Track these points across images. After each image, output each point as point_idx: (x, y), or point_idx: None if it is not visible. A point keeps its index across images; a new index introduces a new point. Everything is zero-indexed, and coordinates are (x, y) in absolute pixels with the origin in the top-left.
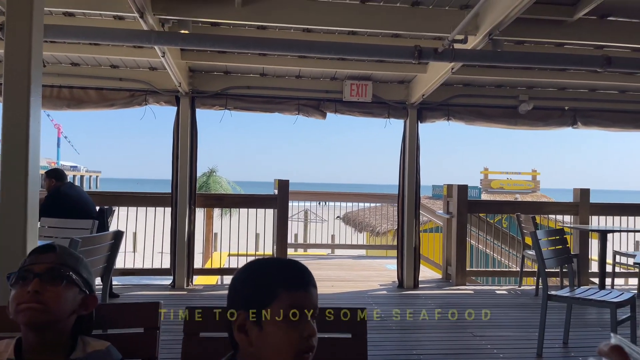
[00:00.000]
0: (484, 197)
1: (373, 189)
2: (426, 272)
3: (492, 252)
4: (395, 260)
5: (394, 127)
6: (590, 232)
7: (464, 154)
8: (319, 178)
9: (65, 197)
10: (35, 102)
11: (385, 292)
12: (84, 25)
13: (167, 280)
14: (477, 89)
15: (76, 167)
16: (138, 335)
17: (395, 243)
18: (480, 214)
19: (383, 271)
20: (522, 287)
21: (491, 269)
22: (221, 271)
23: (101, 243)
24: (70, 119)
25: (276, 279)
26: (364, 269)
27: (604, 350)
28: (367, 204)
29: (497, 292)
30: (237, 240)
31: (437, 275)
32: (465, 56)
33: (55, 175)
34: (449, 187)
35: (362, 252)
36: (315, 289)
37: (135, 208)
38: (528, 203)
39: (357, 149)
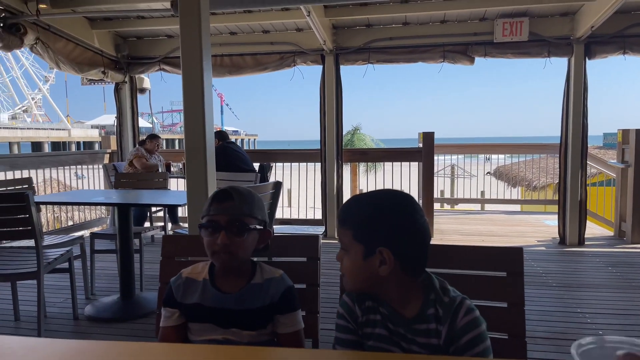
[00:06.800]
0: None
1: (527, 141)
2: (594, 229)
3: None
4: (555, 216)
5: (552, 71)
6: None
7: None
8: (465, 133)
9: (228, 152)
10: (207, 68)
11: (543, 248)
12: None
13: (319, 230)
14: None
15: (237, 131)
16: (302, 263)
17: (555, 198)
18: None
19: (541, 227)
20: None
21: None
22: None
23: (264, 192)
24: (229, 87)
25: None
26: (519, 225)
27: None
28: (521, 157)
29: None
30: None
31: (607, 232)
32: None
33: (219, 135)
34: (625, 132)
35: (516, 207)
36: None
37: (290, 165)
38: None
39: (508, 100)
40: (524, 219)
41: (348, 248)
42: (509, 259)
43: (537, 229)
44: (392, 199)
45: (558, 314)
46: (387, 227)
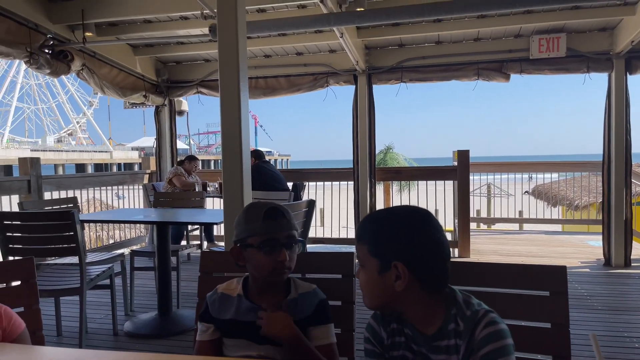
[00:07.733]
0: None
1: (566, 159)
2: None
3: None
4: (599, 237)
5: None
6: None
7: None
8: (501, 152)
9: (263, 171)
10: (243, 90)
11: (587, 269)
12: (274, 18)
13: (351, 249)
14: None
15: (270, 151)
16: (337, 280)
17: (599, 217)
18: None
19: (584, 247)
20: None
21: None
22: None
23: (298, 210)
24: (263, 108)
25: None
26: (560, 245)
27: None
28: (561, 176)
29: None
30: None
31: None
32: None
33: (255, 155)
34: None
35: (557, 227)
36: None
37: (322, 184)
38: None
39: (546, 116)
40: (565, 239)
41: (364, 263)
42: (552, 277)
43: (580, 249)
44: (407, 213)
45: (604, 339)
46: (401, 241)
